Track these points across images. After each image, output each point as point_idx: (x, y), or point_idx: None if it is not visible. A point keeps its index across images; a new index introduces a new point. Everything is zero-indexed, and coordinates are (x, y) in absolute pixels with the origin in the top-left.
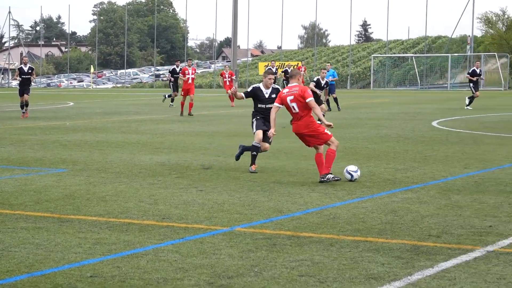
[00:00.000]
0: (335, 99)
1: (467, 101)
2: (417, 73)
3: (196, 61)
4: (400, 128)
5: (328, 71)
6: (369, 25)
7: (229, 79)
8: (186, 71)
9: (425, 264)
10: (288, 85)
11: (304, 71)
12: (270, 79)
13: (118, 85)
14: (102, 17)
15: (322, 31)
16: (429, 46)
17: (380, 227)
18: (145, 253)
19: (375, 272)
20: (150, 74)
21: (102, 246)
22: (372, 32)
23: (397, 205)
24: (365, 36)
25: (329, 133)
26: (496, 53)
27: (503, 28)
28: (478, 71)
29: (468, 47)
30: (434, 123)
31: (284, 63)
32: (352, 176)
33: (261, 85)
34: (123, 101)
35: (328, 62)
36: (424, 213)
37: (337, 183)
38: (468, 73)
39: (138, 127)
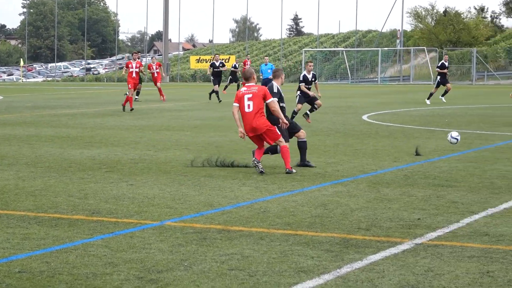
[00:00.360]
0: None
1: (429, 96)
2: (347, 67)
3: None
4: (331, 122)
5: (266, 65)
6: (300, 19)
7: (157, 71)
8: (130, 65)
9: (354, 257)
10: (246, 85)
11: (249, 64)
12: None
13: (49, 79)
14: (32, 10)
15: (253, 25)
16: (360, 40)
17: (310, 220)
18: (74, 248)
19: (305, 265)
20: (81, 67)
21: (30, 241)
22: (304, 26)
23: (327, 199)
24: (296, 30)
25: (279, 133)
26: (425, 48)
27: (432, 23)
28: (447, 64)
29: (398, 41)
30: (365, 117)
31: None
32: (457, 140)
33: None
34: (53, 94)
35: (266, 56)
36: (353, 206)
37: (268, 178)
38: (438, 67)
39: (68, 121)
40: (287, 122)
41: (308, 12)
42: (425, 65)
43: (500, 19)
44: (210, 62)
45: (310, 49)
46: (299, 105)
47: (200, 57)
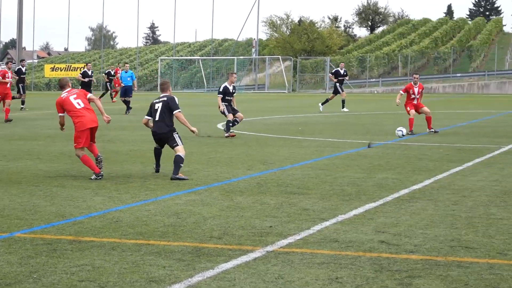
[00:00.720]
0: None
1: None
2: (203, 75)
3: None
4: (186, 131)
5: (126, 72)
6: (157, 27)
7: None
8: (7, 74)
9: (206, 266)
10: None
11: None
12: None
13: None
14: None
15: (109, 33)
16: (216, 49)
17: (162, 229)
18: None
19: (156, 275)
20: None
21: None
22: (160, 35)
23: (181, 208)
24: (153, 38)
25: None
26: (280, 56)
27: (287, 32)
28: (342, 71)
29: (253, 50)
30: (219, 125)
31: (81, 65)
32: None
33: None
34: None
35: (126, 63)
36: (206, 215)
37: (121, 187)
38: (331, 73)
39: None
40: (194, 130)
41: (165, 20)
42: (280, 73)
43: (353, 28)
44: (81, 70)
45: (167, 57)
46: (230, 114)
47: (54, 66)
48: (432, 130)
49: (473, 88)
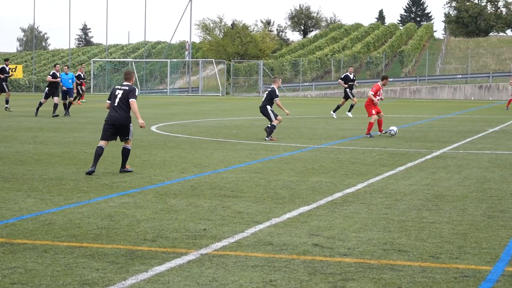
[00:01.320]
0: (68, 104)
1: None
2: (136, 78)
3: None
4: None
5: (67, 74)
6: (89, 29)
7: None
8: None
9: (139, 269)
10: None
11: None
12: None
13: None
14: None
15: (41, 34)
16: (149, 52)
17: (96, 232)
18: None
19: (89, 278)
20: None
21: None
22: (93, 36)
23: (114, 210)
24: (85, 40)
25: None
26: (213, 59)
27: (221, 35)
28: (351, 76)
29: (186, 53)
30: (153, 128)
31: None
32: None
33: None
34: None
35: (65, 65)
36: (140, 217)
37: (54, 189)
38: (341, 78)
39: None
40: (142, 123)
41: (97, 22)
42: (214, 76)
43: (285, 32)
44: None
45: (99, 59)
46: (277, 120)
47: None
48: (383, 131)
49: (405, 93)
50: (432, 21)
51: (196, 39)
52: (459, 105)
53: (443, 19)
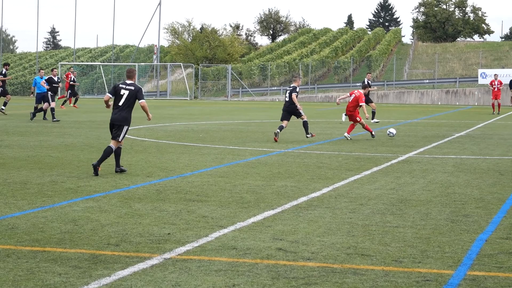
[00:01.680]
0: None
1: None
2: (105, 81)
3: None
4: (85, 137)
5: (42, 78)
6: (58, 32)
7: None
8: None
9: (102, 273)
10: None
11: (73, 75)
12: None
13: None
14: None
15: (9, 37)
16: (117, 55)
17: (59, 236)
18: None
19: (52, 282)
20: None
21: None
22: (61, 40)
23: (78, 214)
24: (53, 43)
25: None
26: (182, 63)
27: (189, 39)
28: (370, 82)
29: (154, 56)
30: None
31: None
32: (392, 133)
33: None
34: None
35: (41, 69)
36: (104, 221)
37: (18, 194)
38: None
39: None
40: (151, 116)
41: (66, 25)
42: (182, 80)
43: (254, 37)
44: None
45: (67, 63)
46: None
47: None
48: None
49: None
50: (400, 26)
51: (165, 43)
52: (426, 110)
53: (411, 24)
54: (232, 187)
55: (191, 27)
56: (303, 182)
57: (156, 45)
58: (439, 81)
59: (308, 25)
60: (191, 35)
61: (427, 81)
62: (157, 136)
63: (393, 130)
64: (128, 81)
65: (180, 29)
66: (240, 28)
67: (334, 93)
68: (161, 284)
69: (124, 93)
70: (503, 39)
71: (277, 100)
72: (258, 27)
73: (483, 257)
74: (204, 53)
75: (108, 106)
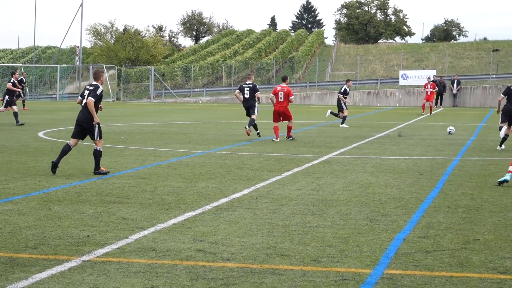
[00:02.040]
0: None
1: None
2: (25, 83)
3: None
4: (5, 139)
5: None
6: None
7: None
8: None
9: (19, 276)
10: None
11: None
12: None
13: None
14: None
15: None
16: (39, 56)
17: None
18: None
19: None
20: None
21: None
22: None
23: None
24: None
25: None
26: (104, 65)
27: (112, 40)
28: (348, 90)
29: (77, 58)
30: (41, 134)
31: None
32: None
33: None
34: None
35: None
36: (22, 224)
37: None
38: (342, 93)
39: None
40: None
41: None
42: (104, 82)
43: (177, 38)
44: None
45: None
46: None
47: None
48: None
49: (295, 99)
50: (323, 28)
51: (87, 44)
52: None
53: (334, 26)
54: (153, 189)
55: (114, 28)
56: (224, 183)
57: (78, 47)
58: (361, 83)
59: (231, 27)
60: (114, 36)
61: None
62: None
63: (452, 128)
64: (93, 82)
65: (103, 30)
66: (163, 29)
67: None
68: (79, 287)
69: (85, 94)
70: (424, 41)
71: (199, 102)
72: (181, 29)
73: (400, 256)
74: (127, 55)
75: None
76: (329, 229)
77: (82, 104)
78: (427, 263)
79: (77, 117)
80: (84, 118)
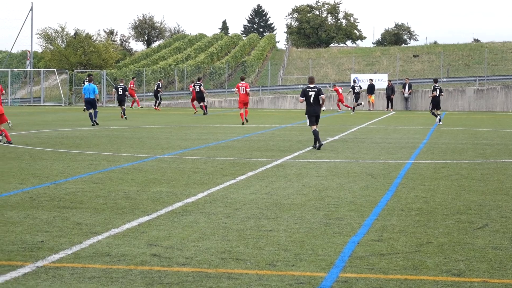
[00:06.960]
0: None
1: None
2: None
3: None
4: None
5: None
6: None
7: None
8: None
9: None
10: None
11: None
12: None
13: None
14: None
15: None
16: None
17: None
18: None
19: None
20: None
21: None
22: None
23: None
24: None
25: None
26: (56, 69)
27: (63, 45)
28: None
29: (28, 62)
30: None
31: None
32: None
33: None
34: None
35: None
36: None
37: None
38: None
39: None
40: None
41: None
42: (56, 86)
43: (129, 42)
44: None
45: None
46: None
47: None
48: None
49: (248, 103)
50: (274, 32)
51: (38, 49)
52: (300, 115)
53: (285, 30)
54: (106, 194)
55: (65, 32)
56: (178, 188)
57: (29, 51)
58: None
59: (183, 31)
60: (65, 41)
61: (302, 86)
62: (31, 142)
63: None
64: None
65: (54, 34)
66: (115, 33)
67: (210, 98)
68: None
69: None
70: (375, 45)
71: (152, 106)
72: (132, 33)
73: (355, 259)
74: (79, 59)
75: None
76: (283, 232)
77: None
78: (382, 266)
79: None
80: None
